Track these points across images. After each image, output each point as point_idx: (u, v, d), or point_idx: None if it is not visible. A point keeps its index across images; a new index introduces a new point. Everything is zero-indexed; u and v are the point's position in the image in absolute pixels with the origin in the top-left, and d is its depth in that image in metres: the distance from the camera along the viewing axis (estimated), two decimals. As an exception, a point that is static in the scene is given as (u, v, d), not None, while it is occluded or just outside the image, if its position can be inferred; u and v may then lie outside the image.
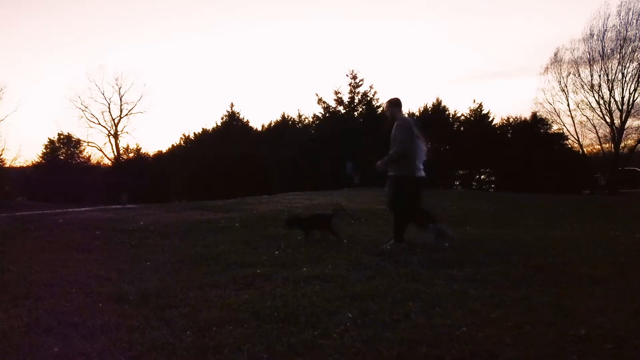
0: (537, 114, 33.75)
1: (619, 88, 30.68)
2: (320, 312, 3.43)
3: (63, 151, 43.96)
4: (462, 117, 36.36)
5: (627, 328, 2.93)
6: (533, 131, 33.15)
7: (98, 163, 47.18)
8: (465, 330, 2.96)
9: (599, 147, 33.41)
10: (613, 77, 30.65)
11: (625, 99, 30.58)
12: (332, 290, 4.07)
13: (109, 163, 47.41)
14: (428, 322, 3.14)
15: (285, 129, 38.62)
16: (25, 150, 63.04)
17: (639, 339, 2.76)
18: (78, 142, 44.86)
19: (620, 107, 30.87)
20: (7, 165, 41.47)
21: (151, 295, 4.00)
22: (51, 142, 43.58)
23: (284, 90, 76.73)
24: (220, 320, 3.26)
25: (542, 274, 4.63)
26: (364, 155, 29.17)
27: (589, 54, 31.27)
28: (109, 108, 48.06)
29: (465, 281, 4.40)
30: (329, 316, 3.32)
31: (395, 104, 6.60)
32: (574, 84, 32.31)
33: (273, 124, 41.03)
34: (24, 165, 44.23)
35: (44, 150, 43.32)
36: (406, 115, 6.49)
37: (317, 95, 34.18)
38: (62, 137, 43.90)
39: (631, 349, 2.65)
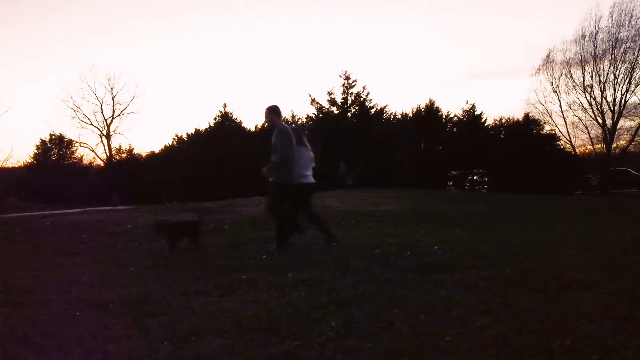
0: (530, 114, 33.93)
1: (610, 89, 30.94)
2: (303, 320, 3.35)
3: (55, 152, 43.57)
4: (455, 118, 36.46)
5: (614, 337, 2.86)
6: (525, 132, 33.25)
7: (90, 164, 46.81)
8: (449, 339, 2.88)
9: (591, 147, 33.64)
10: (605, 78, 30.90)
11: (617, 99, 30.84)
12: (318, 297, 4.00)
13: (101, 164, 47.12)
14: (412, 331, 3.06)
15: (278, 130, 38.46)
16: (17, 151, 62.39)
17: (627, 349, 2.69)
18: (70, 142, 44.47)
19: (612, 108, 31.08)
20: (-2, 165, 41.16)
21: (132, 302, 3.91)
22: (43, 142, 43.19)
23: (277, 91, 76.54)
24: (201, 330, 3.17)
25: (531, 278, 4.57)
26: (357, 156, 29.17)
27: (581, 55, 31.53)
28: (101, 108, 47.70)
29: (453, 286, 4.33)
30: (312, 325, 3.24)
31: (274, 111, 6.62)
32: (566, 85, 32.56)
33: (266, 124, 40.87)
34: (16, 166, 43.92)
35: (36, 151, 42.93)
36: (284, 123, 6.68)
37: (310, 95, 34.11)
38: (53, 137, 43.52)
39: (617, 360, 2.59)
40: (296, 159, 6.38)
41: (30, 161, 42.75)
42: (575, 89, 32.20)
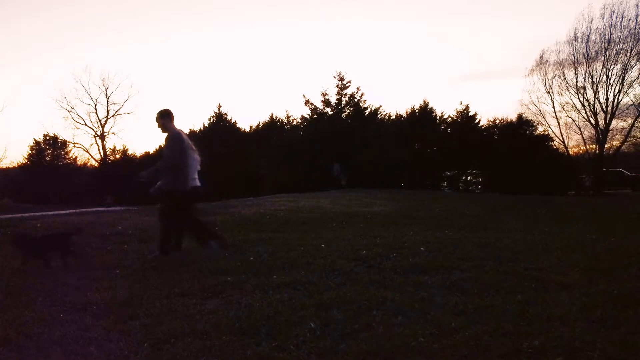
0: (523, 115, 34.08)
1: (603, 90, 31.13)
2: (283, 322, 3.40)
3: (49, 152, 43.50)
4: (449, 119, 36.61)
5: (583, 339, 2.93)
6: (519, 133, 33.41)
7: (84, 164, 46.78)
8: (422, 340, 2.95)
9: (584, 148, 33.83)
10: (598, 79, 31.06)
11: (610, 100, 31.03)
12: (300, 299, 4.05)
13: (96, 164, 47.06)
14: (387, 332, 3.12)
15: (273, 130, 38.60)
16: (10, 151, 62.09)
17: (593, 351, 2.75)
18: (64, 143, 44.44)
19: (604, 109, 31.26)
20: (-8, 166, 41.07)
21: (116, 304, 3.96)
22: (37, 143, 43.13)
23: (272, 91, 76.78)
24: (181, 332, 3.23)
25: (512, 279, 4.63)
26: (351, 157, 29.23)
27: (574, 56, 31.71)
28: (96, 109, 47.71)
29: (434, 288, 4.40)
30: (291, 327, 3.29)
31: (165, 115, 6.48)
32: (559, 85, 32.73)
33: (261, 124, 41.00)
34: (10, 167, 43.82)
35: (30, 152, 42.87)
36: (177, 127, 6.50)
37: (304, 96, 34.13)
38: (48, 138, 43.46)
39: (582, 362, 2.66)
40: (189, 164, 6.34)
41: (24, 162, 42.67)
42: (569, 90, 32.42)
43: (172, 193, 6.29)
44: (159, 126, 6.52)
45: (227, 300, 4.10)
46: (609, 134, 31.88)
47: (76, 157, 45.72)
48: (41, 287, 4.69)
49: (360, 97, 33.17)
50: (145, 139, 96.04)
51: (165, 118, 6.45)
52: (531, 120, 33.91)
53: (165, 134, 6.45)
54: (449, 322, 3.30)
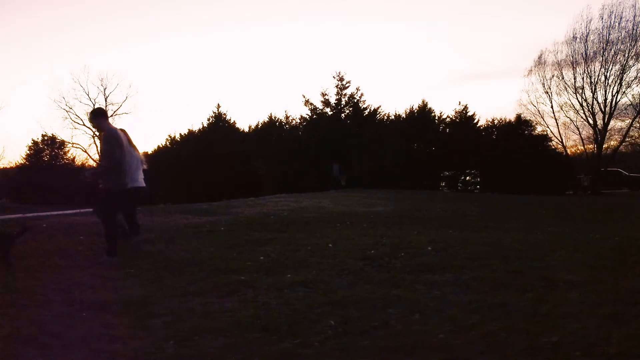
0: (522, 115, 34.18)
1: (601, 90, 31.21)
2: (302, 320, 3.48)
3: (47, 152, 43.41)
4: (448, 119, 36.71)
5: (598, 334, 3.01)
6: (517, 133, 33.52)
7: (83, 164, 46.66)
8: (442, 337, 3.03)
9: (582, 148, 33.97)
10: (596, 80, 31.17)
11: (608, 100, 31.13)
12: (315, 297, 4.13)
13: (94, 165, 46.94)
14: (406, 329, 3.21)
15: (272, 130, 38.65)
16: (8, 152, 61.68)
17: (609, 345, 2.84)
18: (62, 143, 44.34)
19: (602, 109, 31.39)
20: (-10, 166, 40.99)
21: (134, 303, 4.02)
22: (35, 143, 43.04)
23: (271, 91, 76.64)
24: (202, 330, 3.29)
25: (521, 278, 4.72)
26: (350, 157, 29.32)
27: (572, 56, 31.78)
28: (94, 109, 47.49)
29: (445, 286, 4.48)
30: (310, 324, 3.37)
31: (99, 114, 6.36)
32: (557, 86, 32.79)
33: (260, 125, 41.01)
34: (8, 167, 43.71)
35: (28, 152, 42.77)
36: (114, 126, 6.34)
37: (304, 96, 34.17)
38: (46, 138, 43.36)
39: (599, 356, 2.73)
40: (128, 162, 6.15)
41: (22, 162, 42.57)
42: (567, 90, 32.51)
43: (112, 192, 6.12)
44: (94, 126, 6.43)
45: (243, 298, 4.17)
46: (607, 134, 32.02)
47: (74, 158, 45.65)
48: (56, 286, 4.73)
49: (360, 97, 33.30)
50: (143, 139, 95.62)
51: (99, 117, 6.32)
52: (530, 120, 34.03)
53: (101, 133, 6.30)
54: (465, 319, 3.39)
